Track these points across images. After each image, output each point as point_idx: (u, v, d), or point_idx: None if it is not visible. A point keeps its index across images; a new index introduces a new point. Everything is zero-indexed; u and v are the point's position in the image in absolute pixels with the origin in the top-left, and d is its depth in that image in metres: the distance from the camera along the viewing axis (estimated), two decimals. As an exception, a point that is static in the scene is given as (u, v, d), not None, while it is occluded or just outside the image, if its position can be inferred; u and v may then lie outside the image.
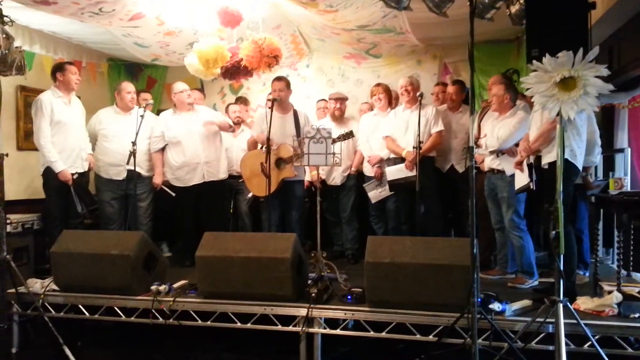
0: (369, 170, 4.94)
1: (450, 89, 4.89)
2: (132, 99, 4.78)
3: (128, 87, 4.80)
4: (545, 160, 3.44)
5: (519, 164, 3.67)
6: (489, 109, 4.50)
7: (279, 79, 4.56)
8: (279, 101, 4.39)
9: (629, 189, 4.22)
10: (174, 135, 4.70)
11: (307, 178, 4.92)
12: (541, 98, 2.62)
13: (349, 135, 4.16)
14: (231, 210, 5.19)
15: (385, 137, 4.67)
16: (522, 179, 3.70)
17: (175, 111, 4.80)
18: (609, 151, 4.95)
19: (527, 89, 2.69)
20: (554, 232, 2.59)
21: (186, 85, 4.85)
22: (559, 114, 2.61)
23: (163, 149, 4.77)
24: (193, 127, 4.73)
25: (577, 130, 3.26)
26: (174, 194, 4.73)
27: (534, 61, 2.65)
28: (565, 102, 2.58)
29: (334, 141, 3.87)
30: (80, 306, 3.70)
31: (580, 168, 3.36)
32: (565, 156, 3.15)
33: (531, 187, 3.60)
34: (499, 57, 5.43)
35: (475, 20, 2.80)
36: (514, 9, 3.69)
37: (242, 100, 5.78)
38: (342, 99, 5.08)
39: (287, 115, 4.52)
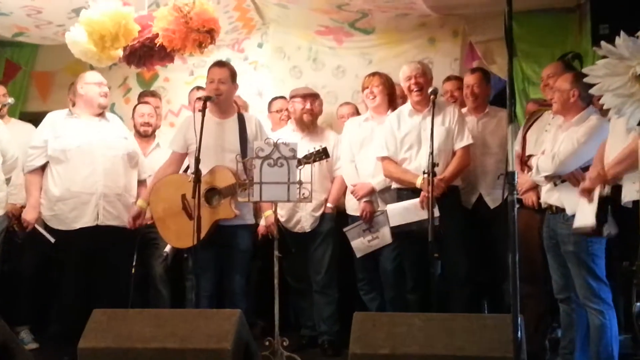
0: (353, 206, 4.97)
1: (469, 79, 5.02)
2: None
3: None
4: (628, 195, 3.50)
5: (586, 192, 3.73)
6: (541, 114, 4.58)
7: (220, 64, 4.60)
8: (215, 100, 4.42)
9: None
10: (63, 146, 4.69)
11: (262, 222, 4.92)
12: (614, 99, 2.69)
13: (322, 154, 4.19)
14: (133, 271, 5.11)
15: (383, 158, 4.72)
16: (585, 214, 3.76)
17: (73, 113, 4.81)
18: None
19: (594, 85, 2.76)
20: (638, 304, 2.63)
21: (102, 77, 4.91)
22: (641, 123, 2.68)
23: (43, 169, 4.75)
24: (95, 140, 4.74)
25: None
26: (52, 240, 4.69)
27: (603, 42, 2.72)
28: (651, 105, 2.65)
29: (300, 162, 3.88)
30: None
31: None
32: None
33: (602, 232, 3.66)
34: (552, 35, 5.56)
35: (516, -20, 2.88)
36: (572, -37, 3.82)
37: (150, 95, 5.82)
38: (312, 96, 5.14)
39: (227, 121, 4.55)
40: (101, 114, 4.87)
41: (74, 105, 4.87)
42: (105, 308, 3.64)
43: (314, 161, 4.15)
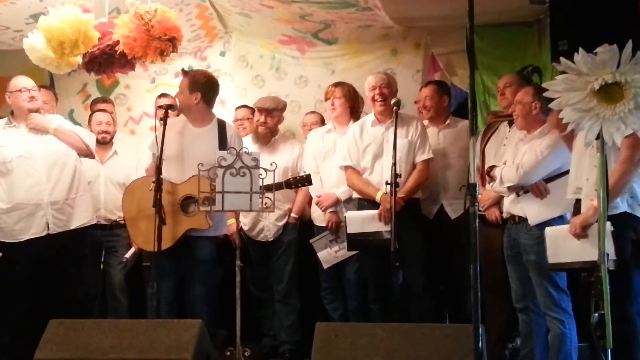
0: (319, 217, 5.00)
1: (421, 92, 5.11)
2: None
3: None
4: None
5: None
6: (497, 127, 4.65)
7: (182, 73, 4.67)
8: (176, 108, 4.46)
9: None
10: (3, 157, 4.64)
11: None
12: (573, 113, 2.74)
13: (305, 181, 4.38)
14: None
15: (346, 167, 4.75)
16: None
17: (12, 121, 4.76)
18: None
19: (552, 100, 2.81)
20: (596, 314, 2.67)
21: (30, 81, 4.81)
22: (598, 137, 2.73)
23: None
24: (36, 147, 4.69)
25: None
26: (0, 253, 4.61)
27: (562, 58, 2.77)
28: (608, 119, 2.70)
29: (281, 186, 4.16)
30: None
31: None
32: (625, 208, 3.33)
33: None
34: (512, 49, 5.65)
35: (477, -6, 2.92)
36: (531, -21, 3.88)
37: (102, 101, 5.81)
38: (269, 111, 5.11)
39: (204, 129, 4.56)
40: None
41: (12, 113, 4.80)
42: (58, 316, 3.60)
43: (296, 187, 4.34)
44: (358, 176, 4.71)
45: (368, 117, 4.82)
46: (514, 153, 4.22)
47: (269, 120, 5.10)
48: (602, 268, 2.74)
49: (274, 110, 5.14)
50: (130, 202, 4.56)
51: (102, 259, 5.20)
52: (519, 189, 4.11)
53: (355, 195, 4.78)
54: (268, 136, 5.12)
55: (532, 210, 4.06)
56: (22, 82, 4.77)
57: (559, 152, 3.99)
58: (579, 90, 2.77)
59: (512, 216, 4.19)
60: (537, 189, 4.06)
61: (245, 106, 5.65)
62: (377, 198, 4.54)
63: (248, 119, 5.45)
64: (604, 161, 2.83)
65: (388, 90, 4.69)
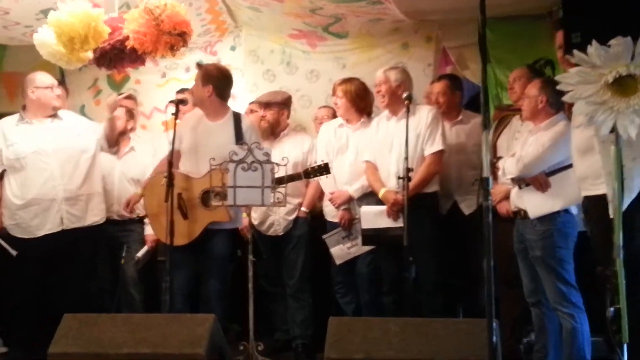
0: (331, 212, 5.00)
1: (436, 87, 5.10)
2: None
3: None
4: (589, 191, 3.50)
5: None
6: (509, 121, 4.65)
7: (201, 67, 4.72)
8: (186, 103, 4.55)
9: None
10: (16, 154, 4.67)
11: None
12: (587, 106, 2.72)
13: (323, 170, 4.36)
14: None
15: (366, 162, 4.77)
16: None
17: (24, 117, 4.78)
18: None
19: (563, 91, 2.80)
20: (612, 308, 2.66)
21: (52, 78, 4.85)
22: (613, 130, 2.72)
23: (1, 178, 4.74)
24: (48, 143, 4.72)
25: None
26: (15, 252, 4.64)
27: (575, 51, 2.76)
28: (623, 112, 2.69)
29: (300, 177, 4.20)
30: None
31: None
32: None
33: None
34: (524, 42, 5.63)
35: (490, -13, 2.91)
36: (544, -29, 3.87)
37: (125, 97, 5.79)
38: (266, 104, 5.13)
39: (221, 122, 4.58)
40: (54, 115, 4.83)
41: (24, 108, 4.82)
42: (75, 313, 3.63)
43: (314, 177, 4.39)
44: (373, 171, 4.72)
45: (383, 113, 4.83)
46: (522, 144, 4.20)
47: (268, 114, 5.11)
48: (618, 262, 2.74)
49: (271, 104, 5.15)
50: (150, 198, 4.58)
51: (124, 254, 5.21)
52: (522, 182, 4.10)
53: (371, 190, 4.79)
54: (268, 130, 5.12)
55: (532, 203, 4.04)
56: (48, 79, 4.83)
57: (562, 146, 3.94)
58: (593, 83, 2.76)
59: (519, 210, 4.17)
60: (537, 181, 4.04)
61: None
62: (379, 195, 4.57)
63: (252, 111, 5.45)
64: (619, 155, 2.83)
65: (385, 86, 4.67)
